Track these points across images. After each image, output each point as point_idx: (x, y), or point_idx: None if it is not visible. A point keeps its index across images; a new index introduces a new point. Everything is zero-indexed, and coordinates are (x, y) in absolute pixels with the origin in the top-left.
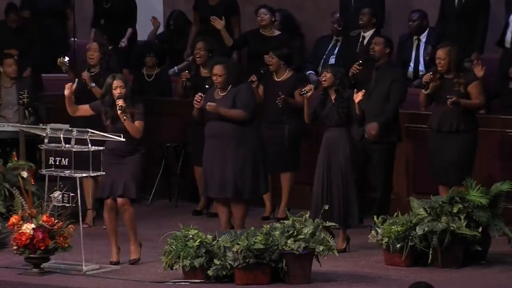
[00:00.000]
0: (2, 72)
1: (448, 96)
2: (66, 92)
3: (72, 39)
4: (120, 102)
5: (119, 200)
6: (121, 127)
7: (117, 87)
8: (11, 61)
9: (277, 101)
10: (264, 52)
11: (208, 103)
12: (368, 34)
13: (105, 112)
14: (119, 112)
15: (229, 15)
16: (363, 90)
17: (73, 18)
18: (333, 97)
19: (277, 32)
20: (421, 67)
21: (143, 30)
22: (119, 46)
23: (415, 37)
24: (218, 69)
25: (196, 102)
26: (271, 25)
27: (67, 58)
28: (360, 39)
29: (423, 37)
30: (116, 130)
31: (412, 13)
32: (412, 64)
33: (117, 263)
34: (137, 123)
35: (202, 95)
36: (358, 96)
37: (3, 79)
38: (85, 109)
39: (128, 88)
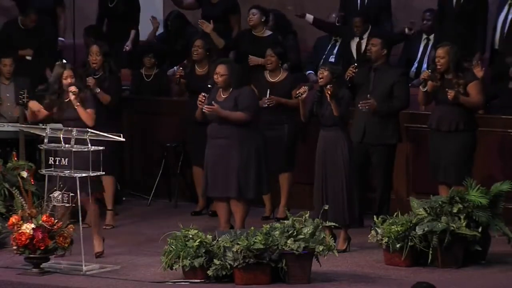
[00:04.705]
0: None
1: (447, 89)
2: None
3: (61, 39)
4: (72, 89)
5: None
6: (69, 116)
7: (67, 76)
8: (9, 61)
9: (267, 102)
10: (254, 53)
11: (207, 106)
12: (364, 37)
13: (51, 100)
14: (72, 97)
15: (228, 13)
16: (331, 85)
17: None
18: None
19: (268, 32)
20: (424, 67)
21: (144, 30)
22: (124, 50)
23: (424, 36)
24: (221, 68)
25: (200, 103)
26: (262, 25)
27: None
28: (356, 45)
29: (433, 37)
30: (65, 119)
31: (426, 12)
32: (416, 64)
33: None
34: (88, 110)
35: (206, 95)
36: (328, 92)
37: (1, 77)
38: (43, 112)
39: (78, 78)
